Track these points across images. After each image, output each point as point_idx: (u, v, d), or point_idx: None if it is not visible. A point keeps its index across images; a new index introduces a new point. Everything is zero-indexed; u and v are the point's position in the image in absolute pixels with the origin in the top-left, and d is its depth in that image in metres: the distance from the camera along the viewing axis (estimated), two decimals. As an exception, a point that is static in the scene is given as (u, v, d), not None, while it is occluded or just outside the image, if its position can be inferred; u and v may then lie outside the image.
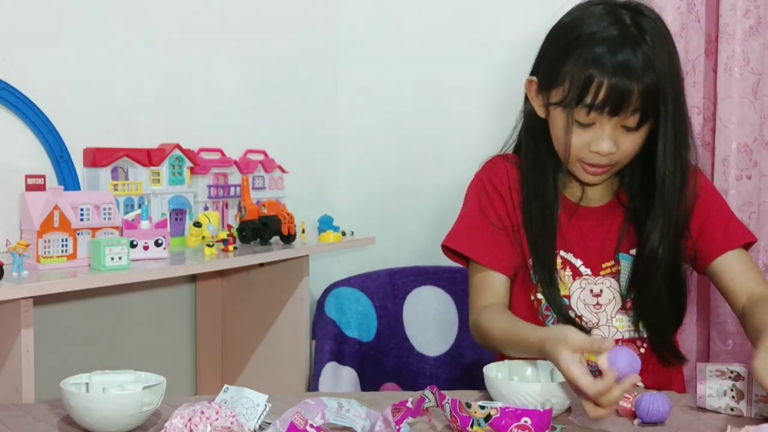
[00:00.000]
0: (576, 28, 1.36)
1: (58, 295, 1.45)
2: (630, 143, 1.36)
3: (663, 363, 1.45)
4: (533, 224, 1.42)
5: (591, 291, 1.42)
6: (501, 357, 1.41)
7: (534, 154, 1.45)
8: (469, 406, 1.07)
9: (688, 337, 2.04)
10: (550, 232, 1.42)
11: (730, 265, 1.41)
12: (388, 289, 2.08)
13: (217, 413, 1.04)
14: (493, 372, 1.22)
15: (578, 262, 1.44)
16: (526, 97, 1.47)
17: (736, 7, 1.92)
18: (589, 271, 1.44)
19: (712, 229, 1.43)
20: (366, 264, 2.20)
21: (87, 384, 1.16)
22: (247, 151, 1.97)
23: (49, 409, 1.21)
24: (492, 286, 1.42)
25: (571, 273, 1.43)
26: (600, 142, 1.34)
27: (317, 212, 2.05)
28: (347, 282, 2.04)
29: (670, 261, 1.41)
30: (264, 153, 2.00)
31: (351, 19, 2.33)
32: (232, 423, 1.04)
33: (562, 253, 1.44)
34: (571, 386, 1.10)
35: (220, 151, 1.89)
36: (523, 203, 1.44)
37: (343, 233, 1.97)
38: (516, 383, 1.20)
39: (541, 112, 1.43)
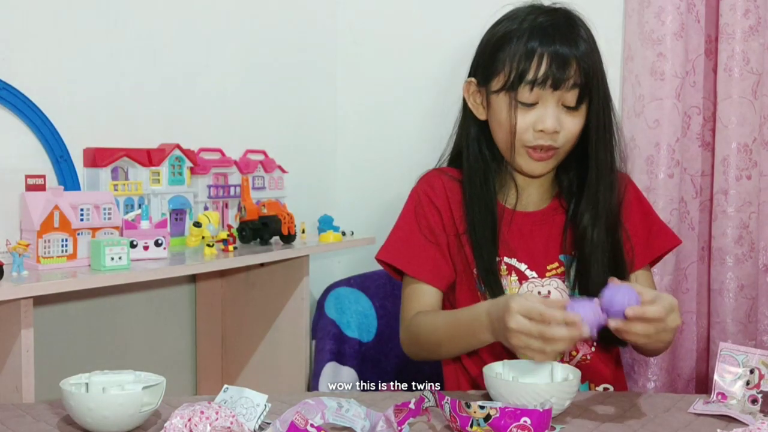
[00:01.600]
0: (508, 24, 1.42)
1: (58, 295, 1.45)
2: (572, 123, 1.39)
3: (609, 354, 1.47)
4: (476, 230, 1.43)
5: (539, 293, 1.42)
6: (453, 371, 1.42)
7: (474, 159, 1.47)
8: (468, 406, 1.07)
9: (688, 338, 2.04)
10: (492, 236, 1.43)
11: (638, 283, 1.43)
12: (388, 289, 2.07)
13: (217, 413, 1.04)
14: (493, 372, 1.22)
15: (523, 266, 1.45)
16: (464, 105, 1.49)
17: (736, 7, 1.92)
18: (535, 274, 1.45)
19: (634, 241, 1.47)
20: (366, 264, 2.19)
21: (87, 384, 1.16)
22: (247, 151, 1.97)
23: (49, 409, 1.21)
24: (424, 299, 1.44)
25: (517, 278, 1.44)
26: (545, 119, 1.37)
27: (317, 212, 2.05)
28: (347, 282, 2.04)
29: (609, 253, 1.42)
30: (264, 153, 2.00)
31: (351, 19, 2.33)
32: (231, 423, 1.04)
33: (506, 259, 1.44)
34: (520, 327, 1.15)
35: (220, 151, 1.89)
36: (466, 210, 1.45)
37: (343, 233, 1.97)
38: (516, 383, 1.20)
39: (479, 113, 1.46)
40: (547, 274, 1.45)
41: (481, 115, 1.46)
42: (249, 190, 1.85)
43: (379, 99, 2.33)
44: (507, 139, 1.41)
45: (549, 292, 1.43)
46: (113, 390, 1.15)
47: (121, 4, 1.72)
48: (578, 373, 1.21)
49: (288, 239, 1.81)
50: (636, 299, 1.15)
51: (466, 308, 1.37)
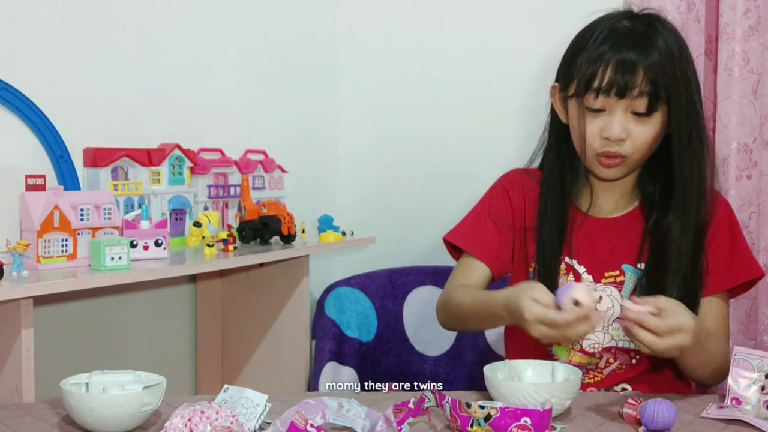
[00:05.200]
0: (591, 28, 1.41)
1: (58, 295, 1.45)
2: (642, 132, 1.37)
3: (674, 376, 1.46)
4: (545, 227, 1.46)
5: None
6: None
7: (552, 161, 1.49)
8: (469, 406, 1.07)
9: (688, 337, 2.03)
10: (559, 236, 1.45)
11: (706, 309, 1.42)
12: (388, 289, 2.08)
13: (217, 413, 1.04)
14: (493, 372, 1.22)
15: (582, 269, 1.45)
16: (552, 109, 1.51)
17: (736, 7, 1.93)
18: (591, 278, 1.45)
19: (714, 266, 1.43)
20: (366, 264, 2.20)
21: (87, 384, 1.16)
22: (247, 151, 1.97)
23: (49, 409, 1.21)
24: (473, 274, 1.49)
25: (573, 278, 1.45)
26: (610, 127, 1.37)
27: (317, 212, 2.05)
28: (347, 282, 2.04)
29: (687, 271, 1.40)
30: (264, 153, 2.00)
31: (351, 20, 2.33)
32: (232, 423, 1.04)
33: (566, 259, 1.46)
34: (534, 322, 1.19)
35: (220, 151, 1.89)
36: (539, 207, 1.48)
37: (343, 233, 1.97)
38: (516, 383, 1.20)
39: (562, 116, 1.47)
40: (603, 280, 1.45)
41: (563, 118, 1.47)
42: (249, 190, 1.85)
43: (379, 99, 2.33)
44: (578, 145, 1.43)
45: (601, 297, 1.42)
46: (113, 390, 1.15)
47: (122, 4, 1.72)
48: (579, 373, 1.21)
49: (288, 239, 1.81)
50: (675, 414, 1.12)
51: (489, 292, 1.40)
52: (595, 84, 1.35)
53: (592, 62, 1.36)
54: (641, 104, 1.35)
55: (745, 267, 1.45)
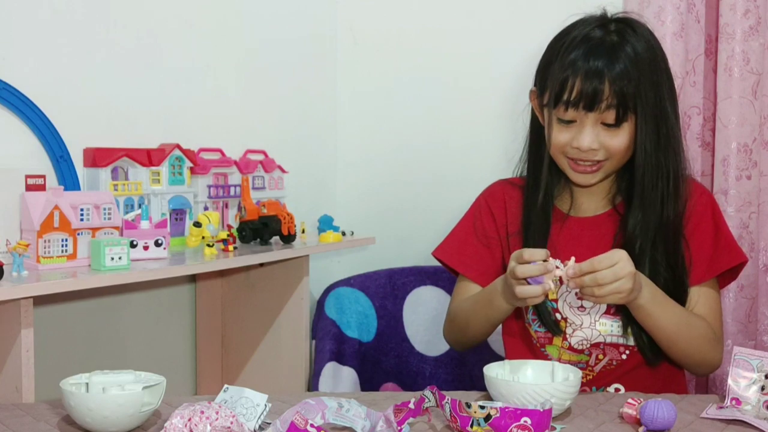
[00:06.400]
0: (565, 34, 1.43)
1: (58, 295, 1.45)
2: (614, 141, 1.40)
3: (659, 368, 1.46)
4: (528, 230, 1.49)
5: (576, 294, 1.44)
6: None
7: (535, 163, 1.52)
8: (469, 406, 1.07)
9: (688, 337, 2.03)
10: (542, 237, 1.48)
11: (696, 297, 1.45)
12: (388, 289, 2.08)
13: (217, 413, 1.04)
14: (493, 372, 1.23)
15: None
16: (533, 111, 1.53)
17: (736, 7, 1.92)
18: None
19: (698, 255, 1.46)
20: (366, 264, 2.20)
21: (87, 384, 1.16)
22: (247, 151, 1.97)
23: (49, 409, 1.21)
24: (468, 294, 1.54)
25: (558, 278, 1.43)
26: (580, 138, 1.40)
27: (317, 212, 2.05)
28: (347, 282, 2.04)
29: (665, 273, 1.42)
30: (264, 153, 2.00)
31: (351, 19, 2.33)
32: (232, 423, 1.04)
33: (550, 260, 1.45)
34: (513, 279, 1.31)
35: (220, 151, 1.89)
36: (523, 211, 1.52)
37: (343, 233, 1.97)
38: (516, 383, 1.20)
39: (541, 119, 1.49)
40: None
41: (543, 121, 1.49)
42: (249, 190, 1.85)
43: (379, 99, 2.34)
44: (553, 152, 1.46)
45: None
46: (113, 390, 1.15)
47: (121, 4, 1.72)
48: (579, 373, 1.21)
49: (288, 239, 1.81)
50: (675, 414, 1.13)
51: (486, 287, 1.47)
52: (565, 97, 1.38)
53: (562, 74, 1.38)
54: (610, 116, 1.38)
55: (729, 254, 1.47)
